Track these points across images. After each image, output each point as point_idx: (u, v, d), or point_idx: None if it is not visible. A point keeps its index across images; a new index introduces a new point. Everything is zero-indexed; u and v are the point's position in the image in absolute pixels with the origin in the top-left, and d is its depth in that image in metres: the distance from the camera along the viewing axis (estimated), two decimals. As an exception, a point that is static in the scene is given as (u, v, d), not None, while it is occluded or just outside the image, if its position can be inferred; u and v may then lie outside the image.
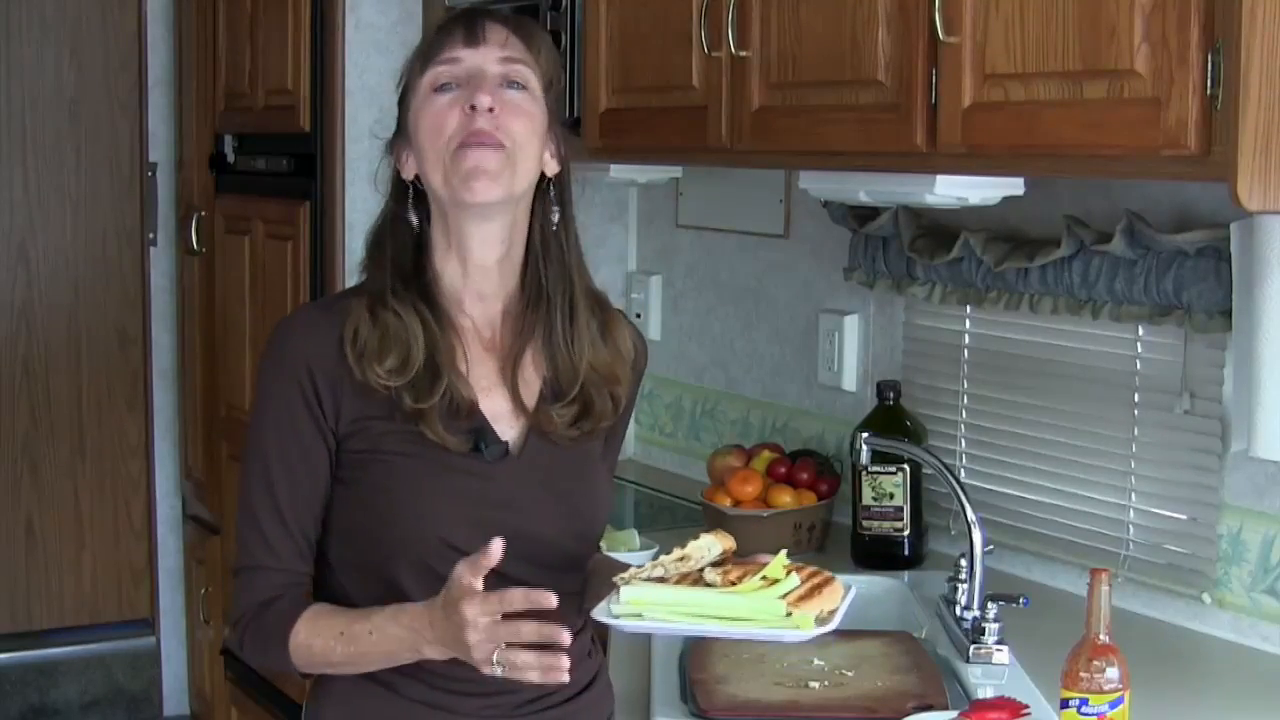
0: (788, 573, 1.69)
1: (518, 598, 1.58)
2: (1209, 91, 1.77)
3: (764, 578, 1.68)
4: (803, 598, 1.66)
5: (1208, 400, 2.38)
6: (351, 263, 3.55)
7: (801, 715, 2.02)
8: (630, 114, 2.80)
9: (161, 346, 4.65)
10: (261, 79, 3.78)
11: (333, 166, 3.56)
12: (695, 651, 2.18)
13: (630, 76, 2.81)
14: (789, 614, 1.64)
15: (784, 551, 1.74)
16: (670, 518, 3.12)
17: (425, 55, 1.81)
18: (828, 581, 1.71)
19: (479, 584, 1.59)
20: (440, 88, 1.78)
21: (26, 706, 4.59)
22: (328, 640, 1.74)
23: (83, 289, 4.62)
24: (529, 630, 1.58)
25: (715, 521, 2.86)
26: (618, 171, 3.10)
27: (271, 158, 3.81)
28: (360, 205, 3.57)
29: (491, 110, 1.75)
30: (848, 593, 1.72)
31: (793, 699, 2.05)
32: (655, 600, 1.67)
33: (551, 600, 1.57)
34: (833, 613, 1.67)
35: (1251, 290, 2.19)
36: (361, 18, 3.54)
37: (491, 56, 1.78)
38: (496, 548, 1.59)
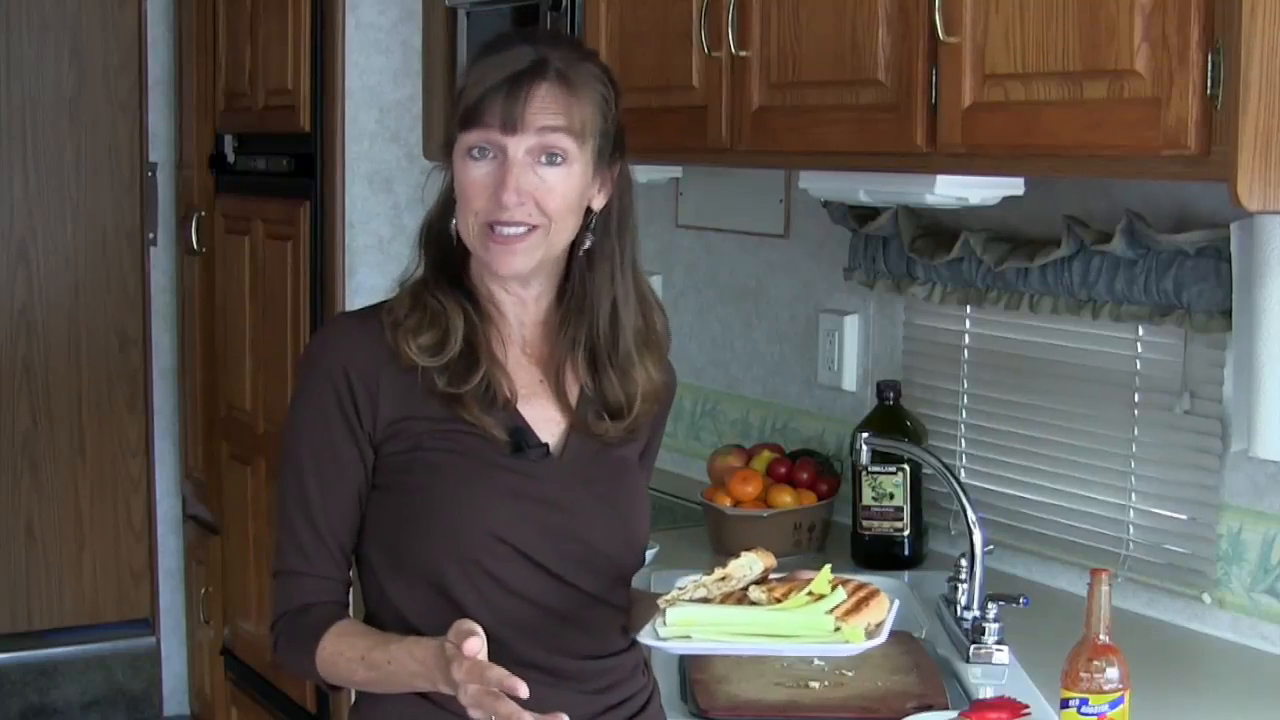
0: (833, 587, 1.68)
1: (497, 677, 1.53)
2: (1209, 91, 1.77)
3: (810, 593, 1.66)
4: (849, 611, 1.65)
5: (1208, 400, 2.38)
6: (352, 262, 3.56)
7: (801, 715, 2.02)
8: (630, 114, 2.76)
9: (161, 347, 4.65)
10: (261, 79, 3.78)
11: (333, 166, 3.56)
12: (696, 652, 2.18)
13: (630, 76, 2.80)
14: (837, 629, 1.63)
15: (828, 566, 1.72)
16: (670, 518, 3.12)
17: (464, 116, 1.76)
18: (873, 594, 1.69)
19: (475, 645, 1.56)
20: (477, 152, 1.76)
21: (26, 706, 4.59)
22: (350, 663, 1.74)
23: (83, 289, 4.63)
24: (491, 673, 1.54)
25: (715, 521, 2.87)
26: (617, 171, 3.10)
27: (271, 158, 3.80)
28: (360, 205, 3.57)
29: (522, 203, 1.74)
30: (893, 604, 1.70)
31: (793, 699, 2.05)
32: (703, 620, 1.65)
33: (521, 690, 1.52)
34: (880, 625, 1.66)
35: (1251, 290, 2.19)
36: (361, 18, 3.54)
37: (526, 143, 1.74)
38: (475, 646, 1.55)
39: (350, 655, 1.74)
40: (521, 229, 1.76)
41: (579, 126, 1.77)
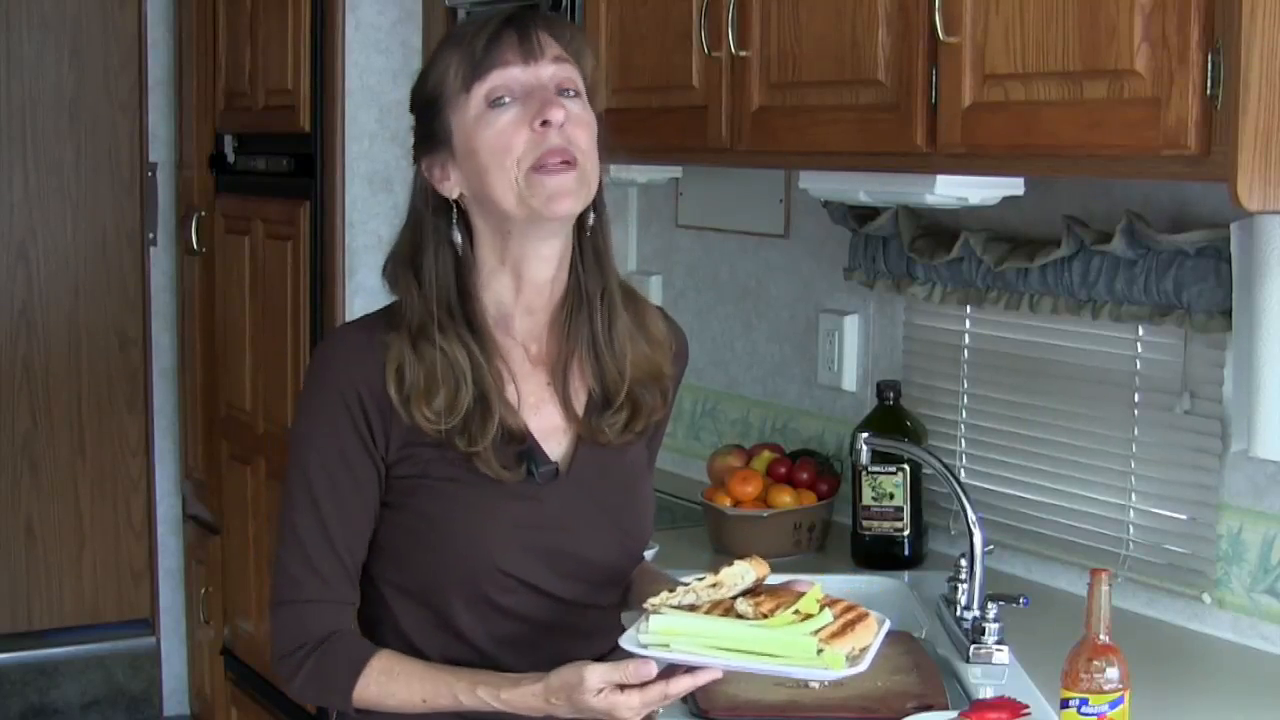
0: (821, 607, 1.66)
1: (659, 694, 1.61)
2: (1209, 91, 1.77)
3: (797, 611, 1.65)
4: (835, 634, 1.62)
5: (1208, 400, 2.38)
6: (352, 263, 3.56)
7: (801, 715, 2.02)
8: (630, 114, 2.80)
9: (161, 346, 4.65)
10: (261, 79, 3.78)
11: (333, 166, 3.56)
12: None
13: (630, 76, 2.81)
14: (820, 651, 1.61)
15: (819, 586, 1.70)
16: (670, 517, 3.12)
17: (474, 67, 1.72)
18: (862, 617, 1.67)
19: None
20: (496, 102, 1.72)
21: (26, 706, 4.59)
22: (404, 701, 1.73)
23: (83, 289, 4.63)
24: (676, 688, 1.62)
25: (715, 521, 2.87)
26: (617, 171, 3.08)
27: (271, 158, 3.81)
28: (360, 205, 3.57)
29: (562, 125, 1.71)
30: (881, 628, 1.68)
31: (793, 699, 2.05)
32: (684, 631, 1.64)
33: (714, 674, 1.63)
34: (864, 650, 1.64)
35: (1251, 290, 2.19)
36: (361, 18, 3.54)
37: (548, 70, 1.73)
38: (650, 670, 1.59)
39: (406, 695, 1.72)
40: (563, 160, 1.71)
41: (583, 62, 1.77)
